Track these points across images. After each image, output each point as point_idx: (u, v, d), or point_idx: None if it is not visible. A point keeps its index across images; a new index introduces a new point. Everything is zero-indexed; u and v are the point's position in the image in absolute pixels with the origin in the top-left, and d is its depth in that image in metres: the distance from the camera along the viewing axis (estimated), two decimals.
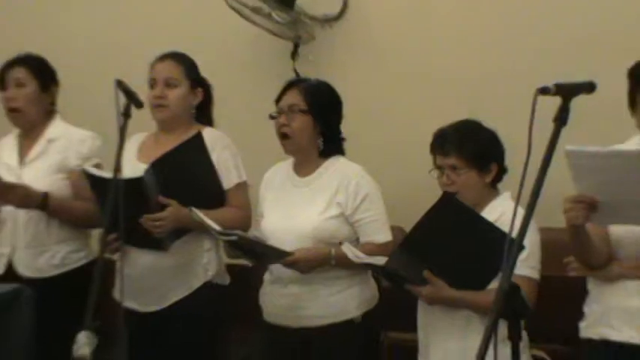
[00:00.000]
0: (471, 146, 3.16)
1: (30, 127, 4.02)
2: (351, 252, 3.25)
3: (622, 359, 2.99)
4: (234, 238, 3.41)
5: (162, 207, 3.46)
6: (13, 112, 3.98)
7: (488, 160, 3.19)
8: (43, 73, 4.03)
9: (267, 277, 3.58)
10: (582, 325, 3.14)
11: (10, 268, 3.88)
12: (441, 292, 3.07)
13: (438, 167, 3.21)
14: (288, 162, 3.62)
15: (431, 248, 3.06)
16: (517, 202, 2.36)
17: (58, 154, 3.95)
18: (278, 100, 3.55)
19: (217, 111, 3.93)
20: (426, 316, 3.23)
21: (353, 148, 3.63)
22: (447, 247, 3.03)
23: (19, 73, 3.98)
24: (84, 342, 2.98)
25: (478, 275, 2.99)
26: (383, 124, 4.57)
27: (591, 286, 3.12)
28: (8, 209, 3.90)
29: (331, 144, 3.54)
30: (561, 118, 2.35)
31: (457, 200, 3.03)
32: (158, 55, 3.80)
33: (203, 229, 3.50)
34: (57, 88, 4.08)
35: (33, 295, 2.71)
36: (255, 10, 4.74)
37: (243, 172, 3.72)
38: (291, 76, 4.28)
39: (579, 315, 3.15)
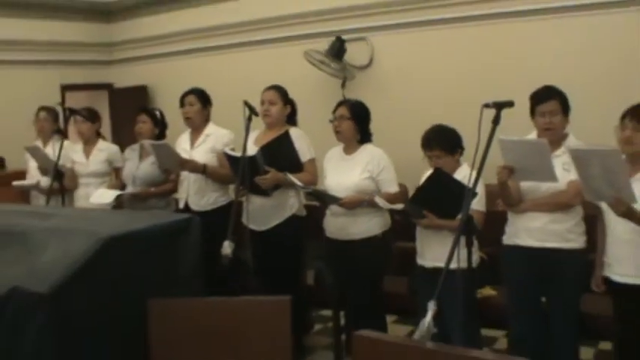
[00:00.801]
0: (445, 141, 3.10)
1: (196, 128, 4.01)
2: (381, 202, 3.22)
3: (522, 257, 3.01)
4: (309, 190, 3.42)
5: (267, 172, 3.44)
6: (187, 120, 3.99)
7: (455, 147, 3.11)
8: (203, 98, 4.00)
9: (327, 211, 3.55)
10: (504, 237, 3.13)
11: (186, 206, 3.91)
12: (433, 221, 3.03)
13: (428, 156, 3.13)
14: (340, 146, 3.57)
15: (428, 198, 3.01)
16: (471, 169, 2.37)
17: (211, 143, 3.93)
18: (334, 112, 3.51)
19: (299, 118, 3.88)
20: (422, 234, 3.17)
21: (377, 139, 3.56)
22: (436, 196, 2.96)
23: (191, 98, 3.97)
24: (227, 246, 3.00)
25: (452, 210, 2.91)
26: (393, 126, 4.53)
27: (509, 215, 3.10)
28: (185, 174, 3.92)
29: (364, 137, 3.49)
30: (496, 121, 2.37)
31: (442, 171, 2.97)
32: (266, 87, 3.77)
33: (290, 184, 3.48)
34: (211, 107, 4.05)
35: (199, 221, 2.71)
36: (321, 62, 4.77)
37: (313, 152, 3.67)
38: (341, 98, 4.23)
39: (502, 231, 3.14)
